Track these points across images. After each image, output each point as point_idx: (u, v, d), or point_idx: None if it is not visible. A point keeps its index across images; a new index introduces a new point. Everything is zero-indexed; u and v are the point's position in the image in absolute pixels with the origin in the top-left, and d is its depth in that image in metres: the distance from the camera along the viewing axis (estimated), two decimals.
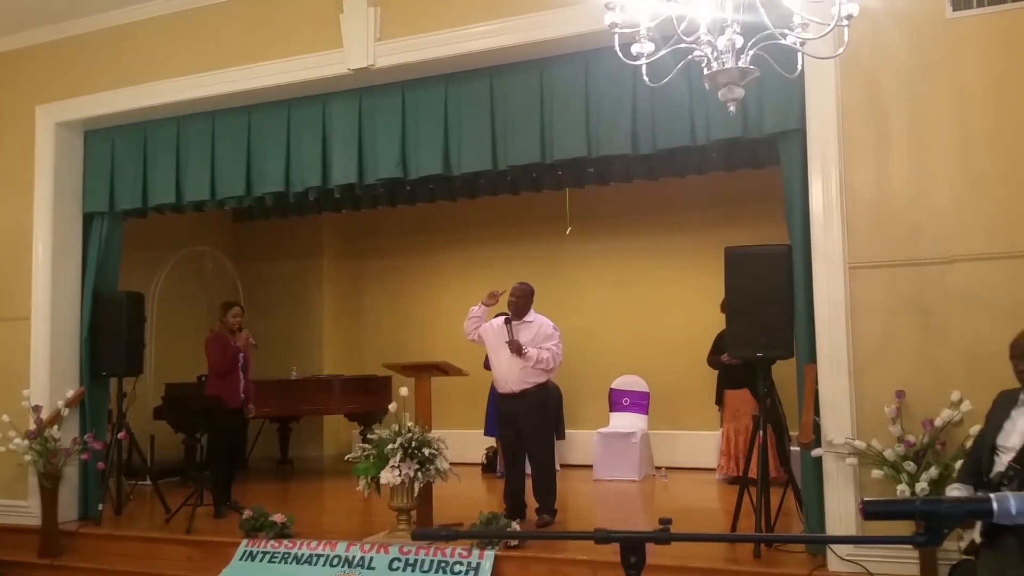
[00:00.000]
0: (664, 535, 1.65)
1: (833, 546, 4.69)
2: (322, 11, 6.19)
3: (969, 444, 4.34)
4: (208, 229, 10.30)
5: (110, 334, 7.02)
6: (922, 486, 4.40)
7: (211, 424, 7.19)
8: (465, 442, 8.47)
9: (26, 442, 6.49)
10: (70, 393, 6.89)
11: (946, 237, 4.68)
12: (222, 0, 6.58)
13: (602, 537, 1.67)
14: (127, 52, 6.90)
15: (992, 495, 1.53)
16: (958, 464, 4.35)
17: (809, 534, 4.97)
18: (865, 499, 1.61)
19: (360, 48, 6.02)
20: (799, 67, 3.53)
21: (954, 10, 4.70)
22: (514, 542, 5.32)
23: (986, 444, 3.55)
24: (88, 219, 7.27)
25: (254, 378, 7.59)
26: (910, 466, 4.49)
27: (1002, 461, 3.41)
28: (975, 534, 3.41)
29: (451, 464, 5.88)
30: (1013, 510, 1.50)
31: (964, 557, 4.01)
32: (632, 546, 1.65)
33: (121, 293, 7.22)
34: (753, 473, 5.41)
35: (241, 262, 10.84)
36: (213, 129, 6.77)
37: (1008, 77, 4.60)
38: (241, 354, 7.20)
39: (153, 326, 8.77)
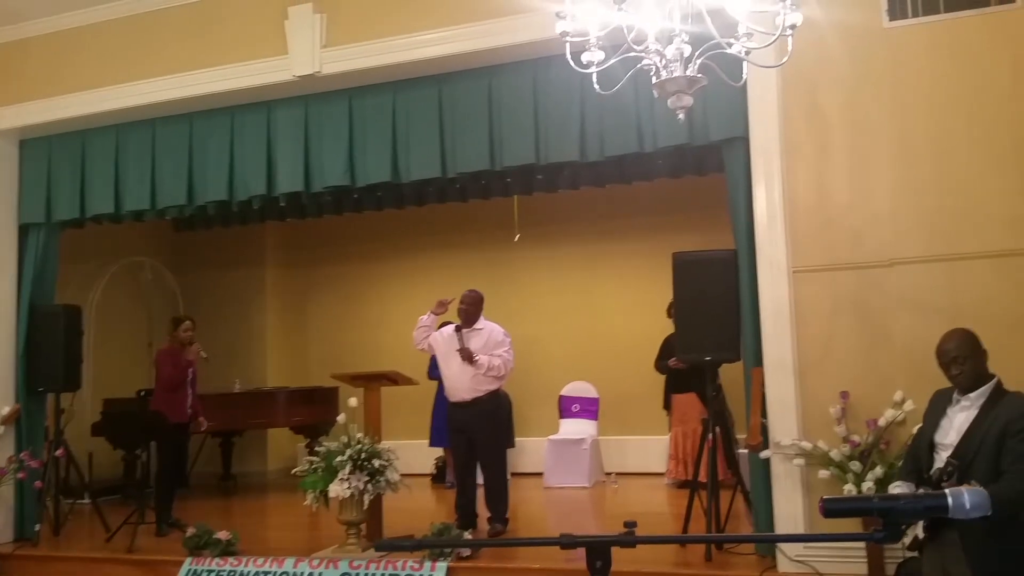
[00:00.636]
0: (630, 538, 1.65)
1: (783, 547, 4.76)
2: (267, 17, 6.12)
3: None
4: (147, 239, 10.07)
5: (46, 349, 6.84)
6: (868, 485, 4.51)
7: (159, 440, 7.02)
8: (414, 453, 8.39)
9: None
10: (6, 410, 6.70)
11: (886, 241, 4.82)
12: (163, 7, 6.47)
13: (568, 542, 1.67)
14: (65, 59, 6.75)
15: (947, 490, 1.57)
16: (902, 463, 4.48)
17: (767, 534, 5.03)
18: (824, 497, 1.64)
19: (306, 55, 5.97)
20: (744, 76, 3.59)
21: (891, 20, 4.86)
22: (466, 552, 5.29)
23: (924, 442, 3.68)
24: (24, 230, 7.09)
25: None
26: (856, 466, 4.59)
27: (941, 458, 3.55)
28: (918, 530, 3.51)
29: (401, 475, 5.82)
30: (967, 504, 1.54)
31: (910, 554, 4.12)
32: (598, 550, 1.65)
33: (58, 306, 7.05)
34: (703, 476, 5.48)
35: (181, 273, 10.62)
36: (154, 137, 6.65)
37: (943, 84, 4.76)
38: (190, 368, 7.06)
39: (90, 340, 8.54)
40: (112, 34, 6.61)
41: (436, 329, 6.41)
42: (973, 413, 3.54)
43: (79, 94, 6.63)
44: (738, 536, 5.68)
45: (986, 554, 3.30)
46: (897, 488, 3.72)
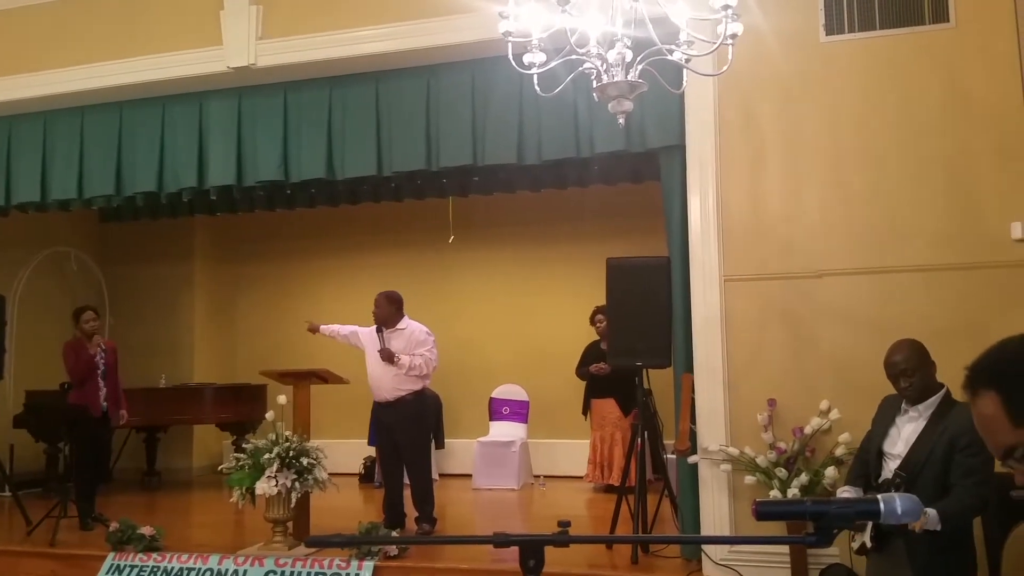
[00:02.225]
0: (563, 537, 1.64)
1: (708, 550, 4.82)
2: (201, 7, 6.01)
3: (839, 451, 4.58)
4: (73, 229, 9.77)
5: None
6: (793, 491, 4.58)
7: (74, 433, 6.82)
8: (343, 452, 8.30)
9: None
10: None
11: (816, 252, 4.92)
12: None
13: (501, 540, 1.66)
14: None
15: (879, 496, 1.59)
16: (827, 471, 4.58)
17: (698, 535, 5.09)
18: (757, 500, 1.65)
19: (241, 46, 5.87)
20: (684, 83, 3.64)
21: (827, 34, 4.96)
22: (394, 552, 5.25)
23: (873, 448, 3.71)
24: None
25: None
26: (782, 472, 4.68)
27: (889, 467, 3.58)
28: (866, 537, 3.55)
29: (329, 474, 5.76)
30: (899, 510, 1.56)
31: (834, 562, 4.22)
32: (531, 549, 1.64)
33: None
34: (631, 480, 5.52)
35: (108, 264, 10.31)
36: (82, 125, 6.49)
37: (877, 99, 4.88)
38: (101, 360, 6.84)
39: (13, 330, 8.26)
40: (41, 18, 6.42)
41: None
42: (921, 424, 3.54)
43: (5, 79, 6.43)
44: (669, 537, 5.74)
45: (931, 565, 3.34)
46: (845, 492, 3.76)
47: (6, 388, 7.98)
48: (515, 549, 1.66)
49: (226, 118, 6.13)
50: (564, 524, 1.73)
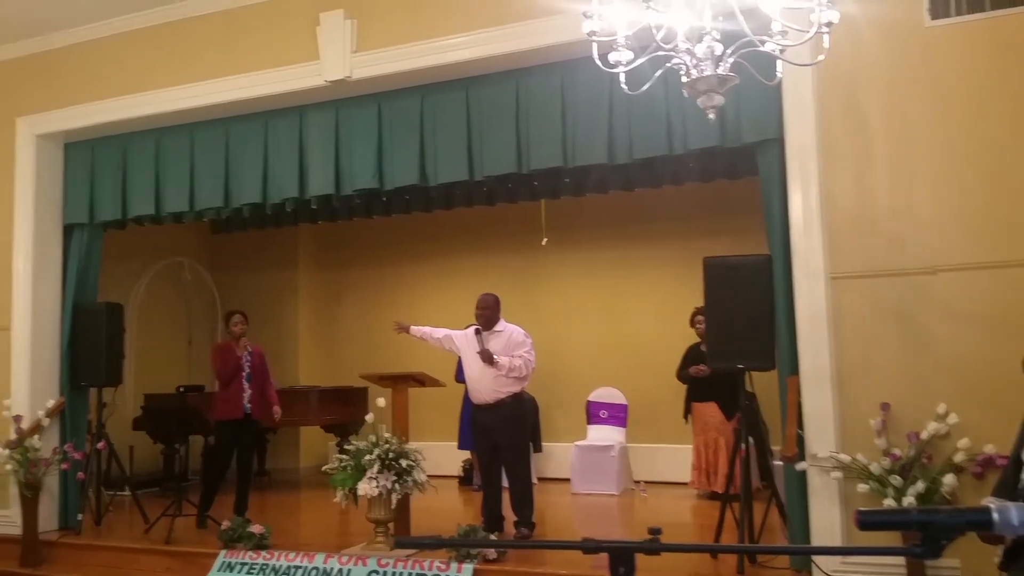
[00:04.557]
0: (653, 545, 1.59)
1: (819, 561, 4.63)
2: (299, 24, 6.16)
3: (958, 458, 4.33)
4: (186, 240, 10.23)
5: (90, 345, 6.99)
6: (909, 500, 4.33)
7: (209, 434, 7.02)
8: (442, 454, 8.38)
9: (6, 452, 6.49)
10: (50, 403, 6.84)
11: (928, 247, 4.65)
12: (200, 14, 6.55)
13: (591, 546, 1.62)
14: (107, 65, 6.87)
15: (993, 505, 1.48)
16: (946, 478, 4.34)
17: (803, 545, 4.90)
18: (859, 508, 1.56)
19: (337, 60, 6.00)
20: (778, 75, 3.50)
21: (933, 19, 4.69)
22: (492, 555, 5.25)
23: (1012, 458, 3.51)
24: (68, 230, 7.25)
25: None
26: (896, 480, 4.42)
27: None
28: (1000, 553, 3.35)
29: (428, 476, 5.81)
30: (1015, 520, 1.45)
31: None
32: (621, 556, 1.59)
33: (100, 304, 7.19)
34: (736, 487, 5.35)
35: (218, 273, 10.76)
36: (192, 141, 6.75)
37: (987, 85, 4.59)
38: (247, 363, 6.97)
39: (132, 337, 8.68)
40: (152, 41, 6.71)
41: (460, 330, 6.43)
42: None
43: (120, 99, 6.75)
44: (771, 547, 5.54)
45: None
46: (987, 502, 3.57)
47: (125, 392, 8.35)
48: None
49: (324, 130, 6.27)
50: (655, 531, 1.68)
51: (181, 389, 8.79)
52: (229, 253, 10.76)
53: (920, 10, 4.71)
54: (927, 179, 4.69)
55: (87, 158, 7.13)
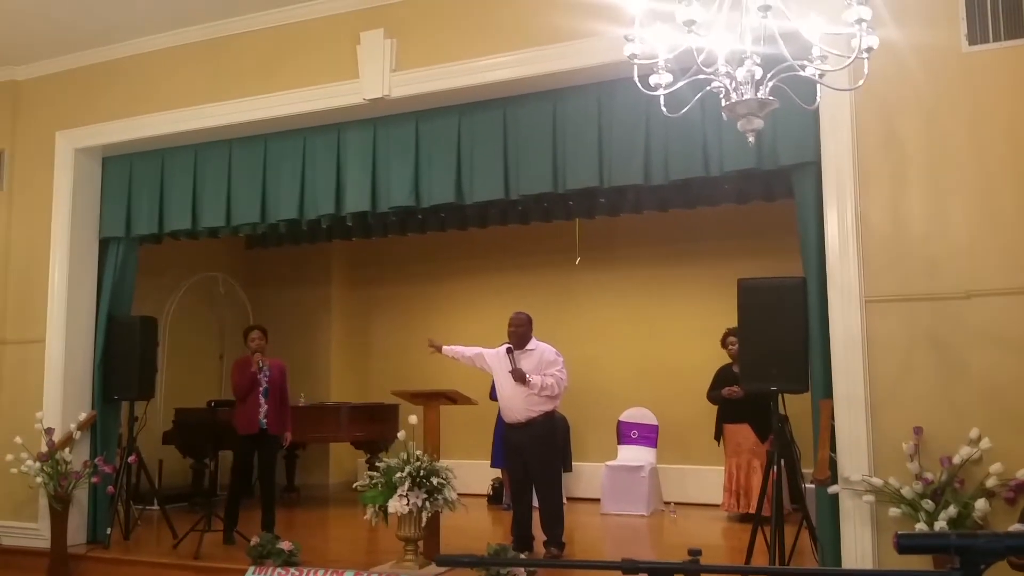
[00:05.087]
0: (693, 566, 1.61)
1: None
2: (339, 42, 6.25)
3: (990, 483, 4.31)
4: (220, 255, 10.34)
5: (123, 358, 7.04)
6: (940, 525, 4.31)
7: (235, 448, 7.07)
8: (471, 472, 8.39)
9: (37, 464, 6.52)
10: (82, 416, 6.90)
11: (963, 271, 4.64)
12: (240, 31, 6.65)
13: (630, 567, 1.64)
14: (146, 80, 6.99)
15: None
16: (978, 503, 4.31)
17: (836, 568, 4.86)
18: (899, 532, 1.58)
19: (376, 78, 6.07)
20: (818, 99, 3.52)
21: (970, 44, 4.70)
22: (522, 575, 5.25)
23: None
24: (104, 244, 7.34)
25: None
26: (928, 504, 4.41)
27: None
28: None
29: (458, 495, 5.82)
30: None
31: None
32: None
33: (135, 317, 7.25)
34: (767, 510, 5.33)
35: (252, 288, 10.87)
36: (230, 157, 6.83)
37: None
38: (264, 378, 6.92)
39: (165, 351, 8.77)
40: (192, 58, 6.83)
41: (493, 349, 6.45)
42: None
43: (160, 114, 6.85)
44: (807, 569, 5.48)
45: None
46: (1017, 528, 3.56)
47: (156, 406, 8.41)
48: None
49: (362, 147, 6.34)
50: (695, 552, 1.70)
51: (212, 404, 8.89)
52: (263, 268, 10.89)
53: (958, 35, 4.73)
54: (962, 204, 4.68)
55: (125, 172, 7.23)
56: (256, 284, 10.92)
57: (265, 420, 6.88)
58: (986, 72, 4.68)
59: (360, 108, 6.23)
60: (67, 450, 6.64)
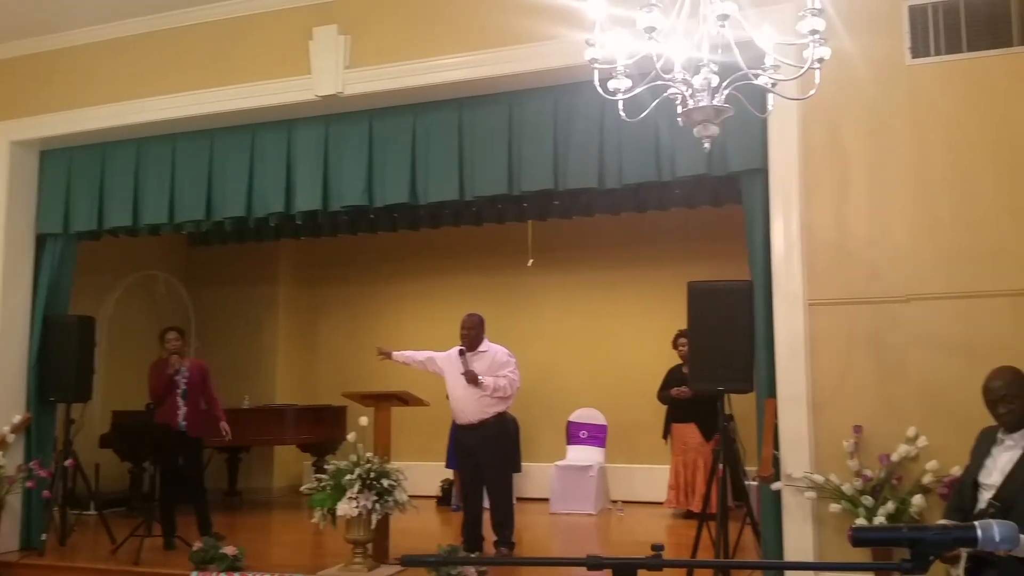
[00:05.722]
0: (657, 561, 1.65)
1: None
2: (291, 38, 6.18)
3: (926, 479, 4.47)
4: (161, 253, 10.11)
5: (59, 359, 6.85)
6: (879, 520, 4.47)
7: (158, 453, 6.95)
8: (420, 474, 8.36)
9: None
10: (16, 419, 6.71)
11: (903, 276, 4.82)
12: (188, 23, 6.53)
13: (595, 563, 1.67)
14: (87, 72, 6.81)
15: (977, 523, 1.57)
16: (915, 499, 4.48)
17: (792, 561, 4.97)
18: (853, 526, 1.64)
19: (329, 75, 6.02)
20: (770, 107, 3.61)
21: (914, 57, 4.88)
22: (472, 574, 5.26)
23: (969, 480, 3.63)
24: (40, 240, 7.13)
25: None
26: (868, 500, 4.57)
27: (984, 498, 3.49)
28: (960, 570, 3.45)
29: (408, 496, 5.81)
30: (996, 537, 1.54)
31: None
32: (625, 572, 1.65)
33: (72, 317, 7.07)
34: (712, 507, 5.44)
35: (195, 287, 10.65)
36: (174, 152, 6.69)
37: (965, 122, 4.78)
38: (182, 379, 6.85)
39: (102, 351, 8.56)
40: (136, 49, 6.68)
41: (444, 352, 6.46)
42: (1017, 453, 3.47)
43: (101, 107, 6.68)
44: (762, 562, 5.60)
45: None
46: (941, 523, 3.67)
47: (93, 408, 8.20)
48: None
49: (313, 145, 6.27)
50: (658, 548, 1.74)
51: (151, 406, 8.68)
52: (206, 267, 10.67)
53: (902, 49, 4.91)
54: (903, 211, 4.86)
55: (64, 166, 7.04)
56: (198, 283, 10.70)
57: (184, 422, 6.81)
58: (927, 84, 4.86)
59: (312, 105, 6.16)
60: (0, 453, 6.45)
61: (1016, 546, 1.64)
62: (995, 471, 3.51)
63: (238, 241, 9.32)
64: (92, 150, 6.95)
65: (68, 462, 6.71)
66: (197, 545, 5.84)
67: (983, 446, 3.65)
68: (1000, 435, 3.58)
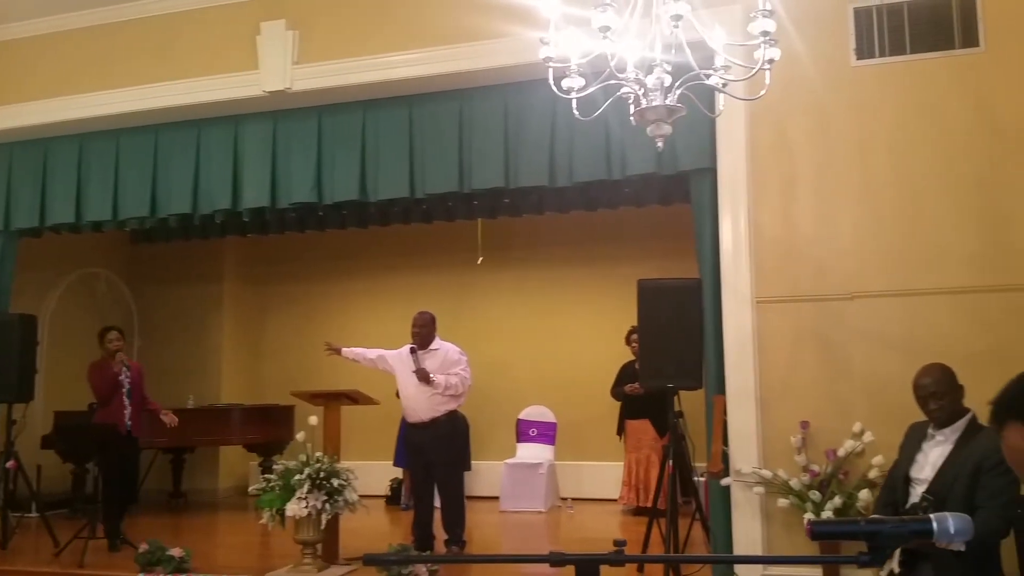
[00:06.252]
0: (620, 557, 1.66)
1: (740, 570, 4.79)
2: (238, 32, 6.11)
3: (872, 474, 4.56)
4: (103, 250, 9.88)
5: (0, 358, 6.66)
6: (827, 514, 4.56)
7: (102, 454, 6.83)
8: (369, 473, 8.29)
9: None
10: None
11: (848, 274, 4.93)
12: (131, 17, 6.42)
13: (557, 559, 1.68)
14: (28, 66, 6.67)
15: (932, 515, 1.60)
16: (861, 493, 4.56)
17: (746, 554, 5.05)
18: (812, 520, 1.67)
19: (277, 71, 5.97)
20: (721, 107, 3.66)
21: (859, 58, 5.00)
22: (424, 573, 5.24)
23: (900, 475, 3.71)
24: None
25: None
26: (815, 495, 4.66)
27: (916, 492, 3.59)
28: (894, 563, 3.53)
29: (359, 496, 5.77)
30: (952, 529, 1.57)
31: None
32: (587, 569, 1.66)
33: (12, 315, 6.91)
34: (662, 503, 5.49)
35: (137, 285, 10.43)
36: (117, 147, 6.60)
37: (908, 123, 4.91)
38: (126, 379, 6.80)
39: (44, 351, 8.35)
40: (79, 43, 6.54)
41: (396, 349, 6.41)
42: (948, 448, 3.57)
43: (42, 102, 6.56)
44: (717, 556, 5.70)
45: None
46: (873, 518, 3.74)
47: (35, 408, 8.03)
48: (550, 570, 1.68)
49: (261, 141, 6.21)
50: (620, 544, 1.75)
51: (93, 406, 8.49)
52: (149, 264, 10.43)
53: (847, 50, 5.02)
54: (848, 210, 4.96)
55: (4, 162, 6.90)
56: (141, 281, 10.47)
57: (130, 422, 6.79)
58: (872, 85, 4.98)
59: (260, 100, 6.10)
60: None
61: (970, 537, 1.68)
62: (927, 466, 3.61)
63: (183, 238, 9.16)
64: (33, 145, 6.82)
65: (10, 464, 6.56)
66: (143, 547, 5.74)
67: (912, 441, 3.75)
68: (930, 430, 3.67)
